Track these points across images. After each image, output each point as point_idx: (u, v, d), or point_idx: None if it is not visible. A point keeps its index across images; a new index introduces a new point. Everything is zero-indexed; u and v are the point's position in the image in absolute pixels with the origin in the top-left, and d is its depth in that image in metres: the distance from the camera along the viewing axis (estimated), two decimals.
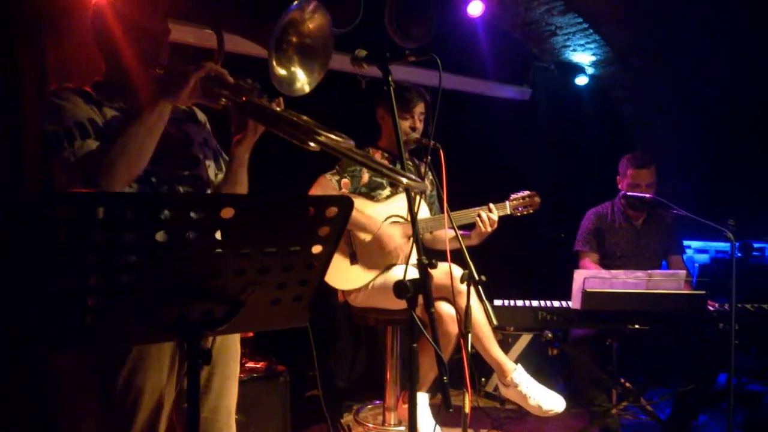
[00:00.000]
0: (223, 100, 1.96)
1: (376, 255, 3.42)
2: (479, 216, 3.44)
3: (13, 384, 3.11)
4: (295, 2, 1.91)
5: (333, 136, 1.84)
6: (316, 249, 1.49)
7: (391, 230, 3.40)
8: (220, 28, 2.22)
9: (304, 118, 1.90)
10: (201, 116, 2.34)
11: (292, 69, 2.02)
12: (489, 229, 3.45)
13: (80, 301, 1.29)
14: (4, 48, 3.23)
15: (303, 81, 2.04)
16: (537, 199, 3.67)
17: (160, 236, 1.27)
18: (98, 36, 2.11)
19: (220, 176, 2.25)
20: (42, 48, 3.32)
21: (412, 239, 1.91)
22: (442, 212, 3.61)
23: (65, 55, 3.39)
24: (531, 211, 3.67)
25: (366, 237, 3.41)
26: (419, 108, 3.52)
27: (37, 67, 3.32)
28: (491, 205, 3.49)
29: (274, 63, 1.94)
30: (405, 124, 3.45)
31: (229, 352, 2.22)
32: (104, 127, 1.94)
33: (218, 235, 1.33)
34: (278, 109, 1.94)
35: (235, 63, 2.18)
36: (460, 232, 3.41)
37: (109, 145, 1.85)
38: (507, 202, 3.60)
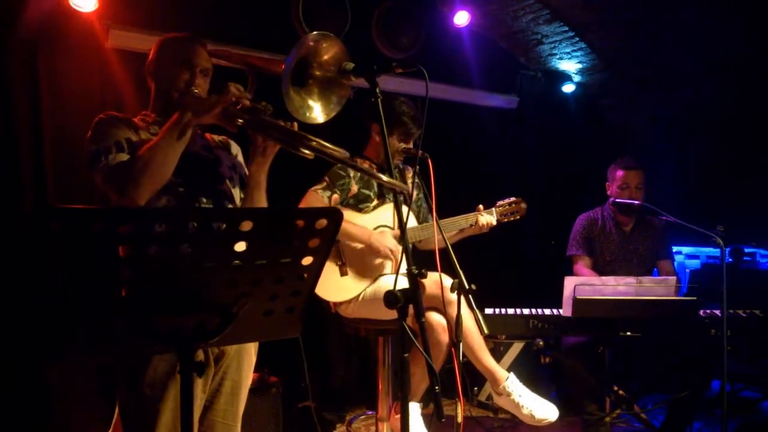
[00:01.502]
0: (240, 121, 2.10)
1: (366, 264, 3.41)
2: (477, 221, 3.51)
3: (7, 391, 3.10)
4: (311, 38, 1.99)
5: (327, 144, 1.96)
6: (307, 260, 1.50)
7: (382, 237, 3.39)
8: (253, 71, 2.32)
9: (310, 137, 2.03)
10: (235, 148, 2.51)
11: (310, 102, 2.09)
12: (486, 230, 3.55)
13: (74, 313, 1.29)
14: None
15: (319, 112, 2.11)
16: (523, 205, 3.68)
17: (153, 250, 1.28)
18: (157, 69, 2.32)
19: None
20: (35, 63, 3.33)
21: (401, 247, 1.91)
22: (430, 217, 3.63)
23: (58, 71, 3.40)
24: (518, 218, 3.68)
25: (357, 246, 3.40)
26: (417, 134, 3.55)
27: (30, 83, 3.32)
28: (493, 209, 3.59)
29: (292, 94, 2.01)
30: (395, 142, 3.47)
31: (243, 359, 2.28)
32: (138, 144, 2.10)
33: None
34: (285, 125, 2.08)
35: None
36: (454, 232, 3.48)
37: (137, 156, 2.03)
38: (494, 209, 3.61)
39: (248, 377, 2.33)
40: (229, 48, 3.11)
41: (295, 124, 2.11)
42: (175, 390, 2.01)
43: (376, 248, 3.33)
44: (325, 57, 2.04)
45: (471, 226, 3.52)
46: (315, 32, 2.01)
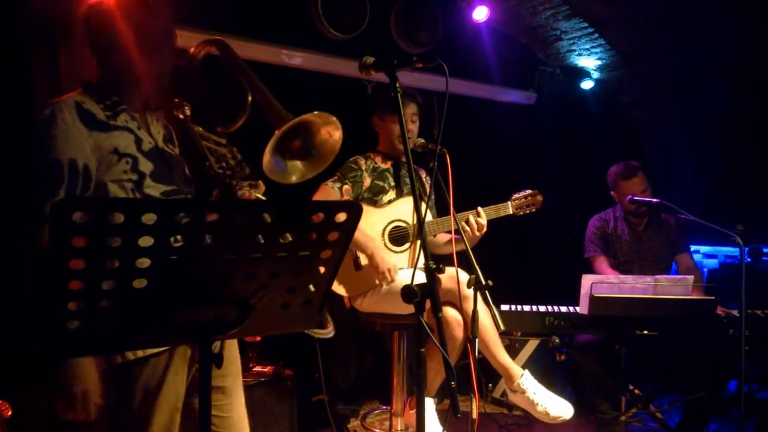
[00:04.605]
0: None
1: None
2: (467, 221, 3.38)
3: (26, 384, 3.12)
4: (320, 113, 1.97)
5: None
6: (326, 254, 1.50)
7: (386, 255, 3.38)
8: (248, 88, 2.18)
9: None
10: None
11: (286, 159, 2.06)
12: (477, 234, 3.39)
13: (95, 305, 1.30)
14: (17, 55, 3.25)
15: (290, 173, 2.09)
16: (539, 198, 3.65)
17: (174, 241, 1.28)
18: (97, 36, 2.04)
19: None
20: (55, 55, 3.35)
21: (416, 246, 1.91)
22: (440, 216, 3.61)
23: (78, 62, 3.41)
24: (534, 210, 3.65)
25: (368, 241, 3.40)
26: (410, 109, 3.53)
27: (51, 74, 3.34)
28: (479, 209, 3.47)
29: (271, 149, 1.97)
30: (397, 128, 3.45)
31: (232, 351, 2.24)
32: (102, 160, 1.89)
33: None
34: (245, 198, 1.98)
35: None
36: (456, 237, 3.42)
37: None
38: (509, 202, 3.59)
39: (239, 368, 2.28)
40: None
41: (261, 182, 2.03)
42: (168, 385, 1.96)
43: (376, 263, 3.31)
44: (326, 138, 2.06)
45: (468, 233, 3.36)
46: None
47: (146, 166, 1.98)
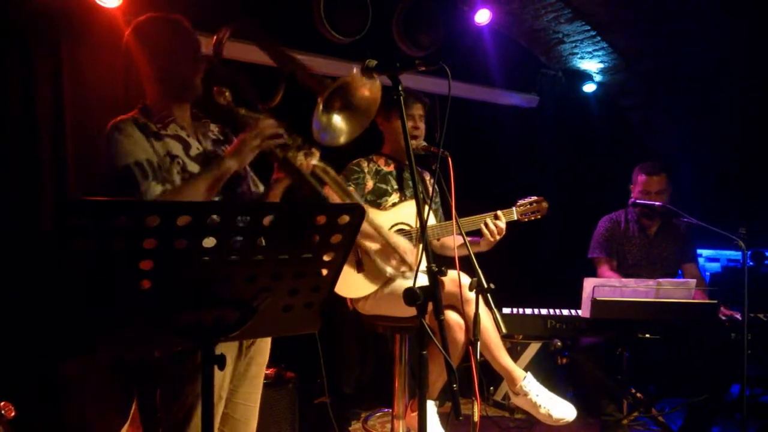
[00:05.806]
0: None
1: (383, 263, 3.41)
2: (485, 224, 3.39)
3: (27, 386, 3.13)
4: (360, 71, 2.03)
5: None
6: (328, 256, 1.50)
7: (398, 238, 3.38)
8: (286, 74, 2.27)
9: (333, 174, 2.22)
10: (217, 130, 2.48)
11: (332, 122, 2.11)
12: (497, 237, 3.40)
13: (96, 307, 1.30)
14: (21, 55, 3.26)
15: (338, 134, 2.14)
16: (545, 205, 3.61)
17: (178, 244, 1.28)
18: (163, 55, 2.23)
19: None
20: (58, 55, 3.36)
21: (420, 246, 1.92)
22: (447, 219, 3.60)
23: (81, 63, 3.42)
24: (539, 217, 3.62)
25: (373, 245, 3.39)
26: (417, 109, 3.52)
27: (54, 78, 3.34)
28: (498, 213, 3.45)
29: (320, 111, 2.04)
30: (421, 144, 3.43)
31: (263, 343, 2.33)
32: (162, 162, 2.10)
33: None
34: (306, 170, 2.16)
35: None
36: (468, 239, 3.40)
37: (177, 192, 2.04)
38: (514, 208, 3.56)
39: (266, 361, 2.38)
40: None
41: (314, 150, 2.17)
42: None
43: (394, 242, 3.31)
44: (366, 93, 2.10)
45: (488, 237, 3.39)
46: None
47: (193, 167, 2.17)
